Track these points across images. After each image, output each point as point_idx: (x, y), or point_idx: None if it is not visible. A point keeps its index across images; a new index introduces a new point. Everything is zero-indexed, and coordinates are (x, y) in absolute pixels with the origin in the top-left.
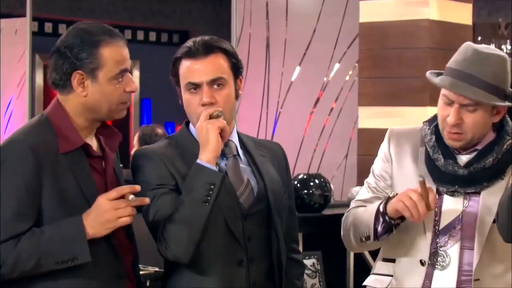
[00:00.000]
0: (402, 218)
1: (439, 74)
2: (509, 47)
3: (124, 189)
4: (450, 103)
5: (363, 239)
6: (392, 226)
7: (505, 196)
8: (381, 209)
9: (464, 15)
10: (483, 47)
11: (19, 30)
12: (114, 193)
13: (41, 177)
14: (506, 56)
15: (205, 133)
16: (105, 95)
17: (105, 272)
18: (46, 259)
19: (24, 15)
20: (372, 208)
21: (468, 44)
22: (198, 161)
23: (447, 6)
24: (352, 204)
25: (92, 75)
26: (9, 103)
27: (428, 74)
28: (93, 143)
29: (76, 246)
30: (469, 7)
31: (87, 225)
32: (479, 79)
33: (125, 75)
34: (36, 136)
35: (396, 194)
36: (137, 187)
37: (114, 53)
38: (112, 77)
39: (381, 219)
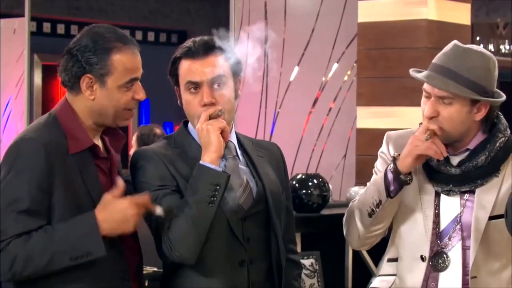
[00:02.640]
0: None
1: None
2: (507, 47)
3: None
4: (428, 96)
5: (374, 209)
6: (403, 183)
7: None
8: (391, 169)
9: (462, 15)
10: (467, 45)
11: (18, 30)
12: (143, 199)
13: (52, 175)
14: (490, 54)
15: (206, 134)
16: (112, 101)
17: (111, 274)
18: (60, 255)
19: (22, 15)
20: (378, 176)
21: (453, 41)
22: (201, 162)
23: (445, 6)
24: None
25: (101, 80)
26: (8, 103)
27: (411, 70)
28: (99, 144)
29: (90, 241)
30: (467, 7)
31: (104, 225)
32: (454, 72)
33: (134, 83)
34: (47, 135)
35: (399, 154)
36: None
37: (126, 61)
38: (121, 85)
39: (391, 178)
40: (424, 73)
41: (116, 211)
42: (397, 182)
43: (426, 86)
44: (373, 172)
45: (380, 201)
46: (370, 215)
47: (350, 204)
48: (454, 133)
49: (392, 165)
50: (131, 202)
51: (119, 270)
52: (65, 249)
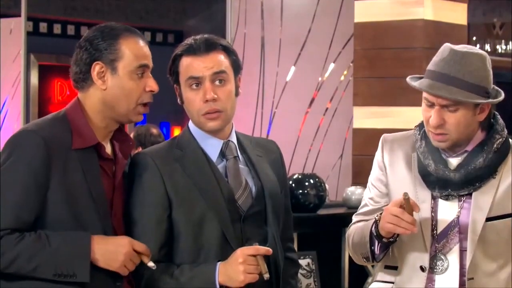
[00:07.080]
0: (397, 234)
1: (420, 78)
2: (504, 47)
3: (147, 250)
4: (431, 105)
5: (364, 259)
6: (388, 244)
7: None
8: (373, 232)
9: (459, 15)
10: (460, 46)
11: (14, 30)
12: (141, 247)
13: (50, 169)
14: (485, 53)
15: (238, 273)
16: (124, 90)
17: (103, 273)
18: (45, 268)
19: (19, 15)
20: (366, 229)
21: (446, 45)
22: (216, 279)
23: (441, 6)
24: (354, 219)
25: (112, 66)
26: (4, 103)
27: (408, 79)
28: (107, 147)
29: (77, 264)
30: (464, 7)
31: (96, 249)
32: (456, 79)
33: (145, 71)
34: (50, 129)
35: (381, 213)
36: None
37: (134, 47)
38: (132, 71)
39: (376, 241)
40: (424, 82)
41: (112, 241)
42: (382, 244)
43: (427, 95)
44: (368, 182)
45: (368, 257)
46: (366, 259)
47: (350, 225)
48: (461, 137)
49: (374, 228)
50: (130, 241)
51: (111, 271)
52: (52, 264)
